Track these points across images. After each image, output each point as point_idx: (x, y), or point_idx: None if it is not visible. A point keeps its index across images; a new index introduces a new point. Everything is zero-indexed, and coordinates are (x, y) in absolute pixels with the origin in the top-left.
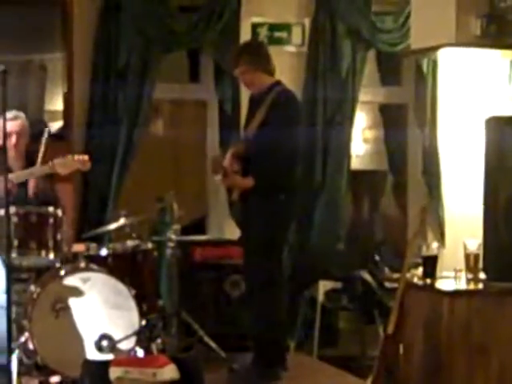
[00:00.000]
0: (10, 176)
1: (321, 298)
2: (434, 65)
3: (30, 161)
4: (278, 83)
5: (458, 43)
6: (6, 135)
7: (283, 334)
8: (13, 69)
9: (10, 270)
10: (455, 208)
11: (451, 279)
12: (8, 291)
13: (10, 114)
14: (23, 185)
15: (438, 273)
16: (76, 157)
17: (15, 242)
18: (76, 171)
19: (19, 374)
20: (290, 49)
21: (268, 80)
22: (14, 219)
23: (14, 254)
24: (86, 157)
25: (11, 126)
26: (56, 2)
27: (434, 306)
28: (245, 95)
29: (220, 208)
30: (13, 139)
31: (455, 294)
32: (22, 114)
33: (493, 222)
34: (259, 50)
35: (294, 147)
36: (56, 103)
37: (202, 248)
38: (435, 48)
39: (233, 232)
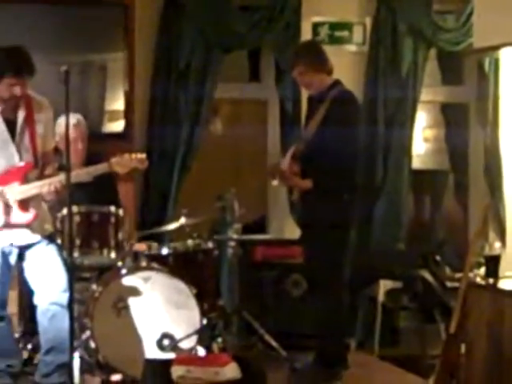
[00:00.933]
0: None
1: (381, 297)
2: (496, 64)
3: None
4: (338, 83)
5: None
6: (68, 137)
7: (344, 333)
8: (74, 69)
9: (73, 269)
10: None
11: None
12: (71, 290)
13: (73, 119)
14: (84, 184)
15: (501, 273)
16: (134, 155)
17: (77, 241)
18: (135, 170)
19: (81, 372)
20: (351, 48)
21: (327, 80)
22: (76, 218)
23: (76, 253)
24: (143, 155)
25: (74, 131)
26: (118, 3)
27: (496, 305)
28: (305, 94)
29: (280, 207)
30: (78, 145)
31: None
32: (82, 118)
33: None
34: (316, 50)
35: (354, 147)
36: (117, 103)
37: (263, 247)
38: (498, 47)
39: (293, 231)
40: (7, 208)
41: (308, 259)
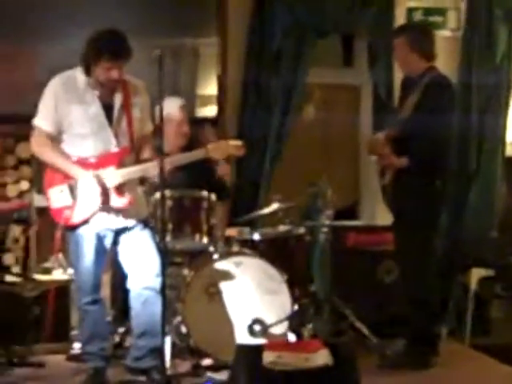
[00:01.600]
0: (166, 161)
1: (473, 285)
2: None
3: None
4: (433, 68)
5: None
6: (162, 119)
7: (436, 320)
8: (166, 53)
9: (165, 254)
10: None
11: None
12: (163, 275)
13: (179, 102)
14: (182, 169)
15: None
16: (231, 142)
17: (169, 226)
18: (231, 157)
19: (172, 356)
20: (445, 33)
21: (423, 64)
22: (169, 203)
23: (168, 238)
24: (240, 142)
25: (181, 114)
26: None
27: None
28: (399, 80)
29: (372, 193)
30: (184, 128)
31: None
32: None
33: None
34: (424, 33)
35: (448, 132)
36: (208, 88)
37: (355, 233)
38: None
39: (385, 218)
40: (104, 192)
41: (399, 245)
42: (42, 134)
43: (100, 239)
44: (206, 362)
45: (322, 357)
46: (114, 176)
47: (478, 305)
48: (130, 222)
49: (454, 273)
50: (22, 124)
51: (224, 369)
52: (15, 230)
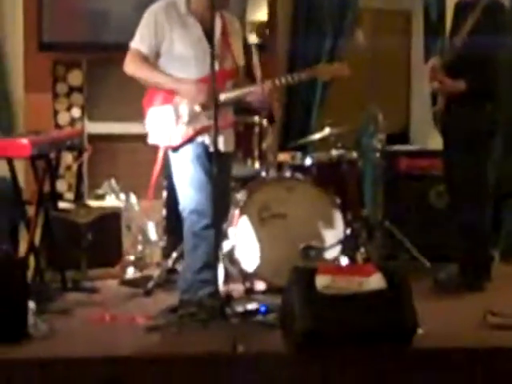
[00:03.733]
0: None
1: None
2: None
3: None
4: None
5: None
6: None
7: (488, 244)
8: None
9: (228, 181)
10: None
11: None
12: (214, 200)
13: None
14: None
15: None
16: (336, 64)
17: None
18: (336, 78)
19: (225, 281)
20: None
21: None
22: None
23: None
24: (345, 64)
25: None
26: None
27: None
28: (451, 3)
29: (423, 118)
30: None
31: None
32: None
33: None
34: None
35: (505, 56)
36: (260, 14)
37: (407, 158)
38: None
39: (436, 143)
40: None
41: (450, 170)
42: (139, 55)
43: (204, 163)
44: (259, 286)
45: (375, 281)
46: (227, 92)
47: None
48: (227, 146)
49: (506, 196)
50: (69, 51)
51: (277, 293)
52: (67, 158)
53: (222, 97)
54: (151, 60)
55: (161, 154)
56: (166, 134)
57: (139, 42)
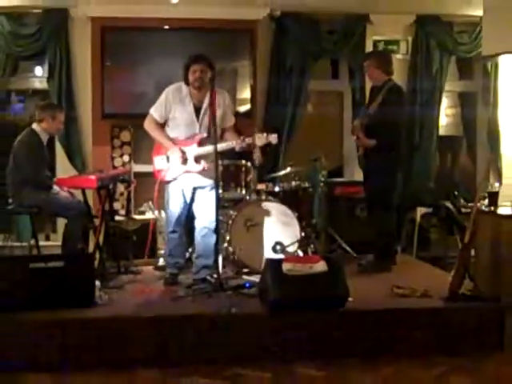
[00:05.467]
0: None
1: (418, 218)
2: (495, 66)
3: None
4: (390, 79)
5: None
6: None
7: (394, 241)
8: (218, 71)
9: (218, 201)
10: (510, 160)
11: (507, 207)
12: (217, 215)
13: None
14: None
15: (499, 203)
16: (270, 134)
17: (221, 183)
18: (268, 145)
19: (223, 267)
20: (399, 56)
21: (384, 77)
22: (220, 168)
23: (220, 190)
24: (275, 135)
25: None
26: (247, 30)
27: (495, 224)
28: (368, 87)
29: (352, 160)
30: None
31: (510, 217)
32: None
33: None
34: (384, 57)
35: (402, 120)
36: (245, 93)
37: (341, 186)
38: (497, 55)
39: (360, 176)
40: (184, 160)
41: (369, 193)
42: (152, 120)
43: (183, 194)
44: (245, 270)
45: (320, 266)
46: (193, 151)
47: (421, 231)
48: (203, 183)
49: (405, 210)
50: (121, 118)
51: (257, 274)
52: (120, 187)
53: (196, 150)
54: (161, 122)
55: (157, 185)
56: (161, 173)
57: (154, 111)
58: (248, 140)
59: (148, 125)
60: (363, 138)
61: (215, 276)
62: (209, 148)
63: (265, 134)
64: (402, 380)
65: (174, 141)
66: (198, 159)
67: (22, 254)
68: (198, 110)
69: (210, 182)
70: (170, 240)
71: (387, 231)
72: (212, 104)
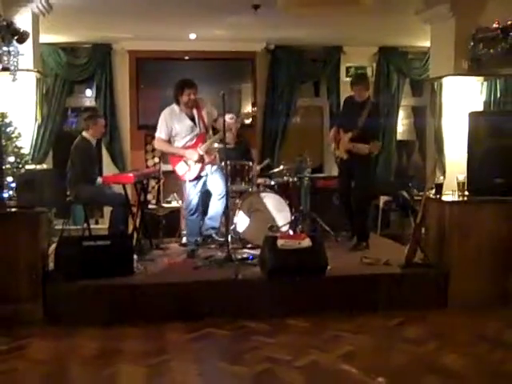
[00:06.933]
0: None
1: (381, 205)
2: (441, 85)
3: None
4: (369, 96)
5: (455, 74)
6: (224, 125)
7: (365, 222)
8: (226, 92)
9: (228, 193)
10: (451, 158)
11: (450, 195)
12: (226, 205)
13: (232, 116)
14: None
15: (443, 192)
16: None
17: (229, 178)
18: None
19: (232, 243)
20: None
21: (367, 94)
22: (229, 167)
23: (229, 184)
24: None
25: (233, 123)
26: (248, 59)
27: (441, 209)
28: (341, 102)
29: (330, 160)
30: (233, 129)
31: (452, 202)
32: (235, 116)
33: (472, 166)
34: (368, 80)
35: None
36: (247, 108)
37: (322, 180)
38: (442, 77)
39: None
40: (200, 157)
41: (346, 184)
42: (161, 140)
43: (200, 183)
44: (248, 245)
45: (306, 242)
46: (202, 148)
47: (383, 214)
48: (214, 169)
49: (372, 198)
50: (152, 129)
51: (257, 248)
52: (152, 182)
53: (204, 147)
54: (167, 140)
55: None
56: (186, 175)
57: (159, 133)
58: (235, 117)
59: (159, 144)
60: (358, 145)
61: (219, 235)
62: (212, 139)
63: (246, 112)
64: (369, 328)
65: (186, 148)
66: (208, 152)
67: (77, 235)
68: (192, 119)
69: (217, 164)
70: (190, 221)
71: (363, 215)
72: (199, 109)
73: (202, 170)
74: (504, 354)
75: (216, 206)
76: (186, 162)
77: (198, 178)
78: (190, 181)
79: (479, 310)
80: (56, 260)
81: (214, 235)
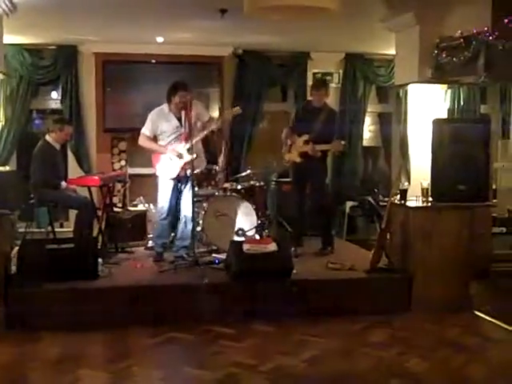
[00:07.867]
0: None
1: (347, 210)
2: (405, 92)
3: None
4: (326, 102)
5: (419, 81)
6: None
7: (331, 227)
8: (195, 96)
9: (193, 196)
10: (416, 165)
11: (414, 201)
12: (193, 207)
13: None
14: None
15: (408, 198)
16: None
17: (196, 183)
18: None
19: (198, 247)
20: (333, 85)
21: (324, 100)
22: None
23: (196, 188)
24: (238, 107)
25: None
26: (215, 63)
27: (405, 214)
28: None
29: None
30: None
31: (416, 208)
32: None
33: (435, 172)
34: (328, 86)
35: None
36: (214, 113)
37: (286, 185)
38: (407, 84)
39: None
40: (180, 155)
41: (312, 192)
42: (145, 136)
43: (174, 187)
44: (214, 249)
45: (272, 246)
46: (183, 146)
47: (350, 220)
48: (189, 186)
49: (338, 203)
50: (119, 132)
51: (223, 252)
52: (118, 186)
53: (186, 145)
54: (151, 138)
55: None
56: (168, 172)
57: (145, 130)
58: (218, 120)
59: (143, 141)
60: (319, 145)
61: (191, 254)
62: (195, 139)
63: (230, 109)
64: (334, 332)
65: (167, 146)
66: (189, 151)
67: (41, 238)
68: (179, 120)
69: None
70: (160, 225)
71: (328, 219)
72: (186, 111)
73: (183, 169)
74: (466, 357)
75: (184, 228)
76: (170, 158)
77: (178, 179)
78: (170, 179)
79: (442, 315)
80: (19, 263)
81: (184, 255)
